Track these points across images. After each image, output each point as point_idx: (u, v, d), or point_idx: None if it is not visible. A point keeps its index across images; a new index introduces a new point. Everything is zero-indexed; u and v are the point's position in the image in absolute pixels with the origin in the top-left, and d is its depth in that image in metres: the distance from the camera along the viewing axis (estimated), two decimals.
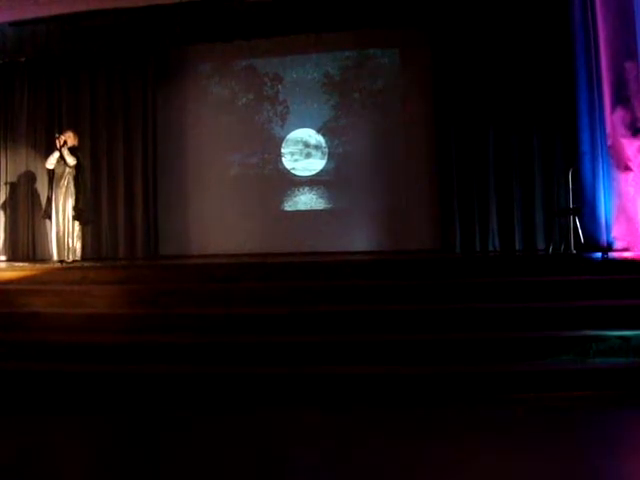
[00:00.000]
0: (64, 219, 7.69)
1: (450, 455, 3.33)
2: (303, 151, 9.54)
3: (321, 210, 9.51)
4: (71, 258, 7.66)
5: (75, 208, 7.71)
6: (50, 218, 7.83)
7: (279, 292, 5.84)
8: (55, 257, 7.75)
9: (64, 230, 7.69)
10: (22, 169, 9.63)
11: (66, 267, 7.14)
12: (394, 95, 9.39)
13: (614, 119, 6.29)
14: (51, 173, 7.86)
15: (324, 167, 9.50)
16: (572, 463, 3.25)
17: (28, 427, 4.10)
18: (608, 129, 6.34)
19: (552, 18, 7.67)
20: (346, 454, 3.39)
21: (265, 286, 6.05)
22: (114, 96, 9.55)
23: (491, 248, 8.49)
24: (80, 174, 7.87)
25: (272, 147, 9.66)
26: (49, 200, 7.86)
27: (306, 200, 9.53)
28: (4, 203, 9.59)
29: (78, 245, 7.79)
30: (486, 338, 4.89)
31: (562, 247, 7.44)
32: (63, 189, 7.71)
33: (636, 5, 6.33)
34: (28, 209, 9.54)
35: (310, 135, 9.55)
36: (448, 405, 4.24)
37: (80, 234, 7.86)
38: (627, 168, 6.22)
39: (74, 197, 7.74)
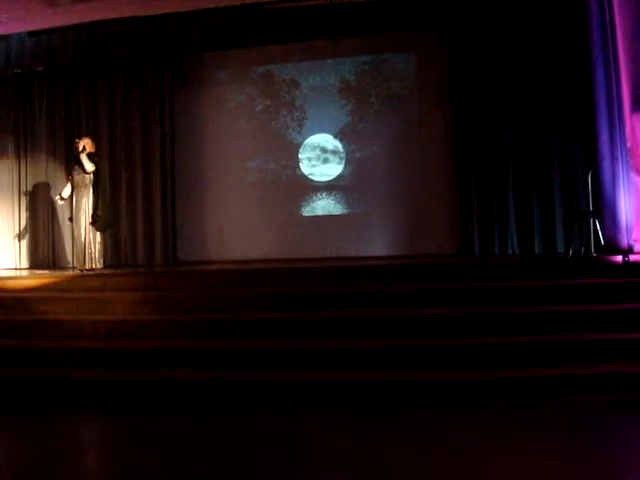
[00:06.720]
0: (85, 226, 7.73)
1: (471, 453, 3.40)
2: (320, 156, 9.54)
3: (339, 215, 9.50)
4: (92, 266, 7.70)
5: (94, 215, 7.74)
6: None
7: (295, 298, 5.87)
8: (75, 264, 7.80)
9: (85, 237, 7.73)
10: (42, 177, 9.73)
11: (86, 274, 7.20)
12: (411, 99, 9.37)
13: (633, 121, 6.22)
14: (72, 180, 7.92)
15: (341, 172, 9.50)
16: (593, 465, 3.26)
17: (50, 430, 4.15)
18: (627, 131, 6.26)
19: (569, 18, 7.62)
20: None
21: (278, 292, 6.05)
22: (131, 103, 9.60)
23: (510, 252, 8.44)
24: (98, 180, 7.92)
25: (289, 153, 9.68)
26: (71, 205, 7.95)
27: (324, 205, 9.53)
28: (24, 211, 9.70)
29: (98, 252, 7.82)
30: (507, 342, 4.87)
31: (582, 250, 7.39)
32: (83, 197, 7.75)
33: None
34: (48, 216, 9.65)
35: (327, 140, 9.55)
36: (470, 409, 4.25)
37: (100, 241, 7.90)
38: None
39: (93, 204, 7.79)
